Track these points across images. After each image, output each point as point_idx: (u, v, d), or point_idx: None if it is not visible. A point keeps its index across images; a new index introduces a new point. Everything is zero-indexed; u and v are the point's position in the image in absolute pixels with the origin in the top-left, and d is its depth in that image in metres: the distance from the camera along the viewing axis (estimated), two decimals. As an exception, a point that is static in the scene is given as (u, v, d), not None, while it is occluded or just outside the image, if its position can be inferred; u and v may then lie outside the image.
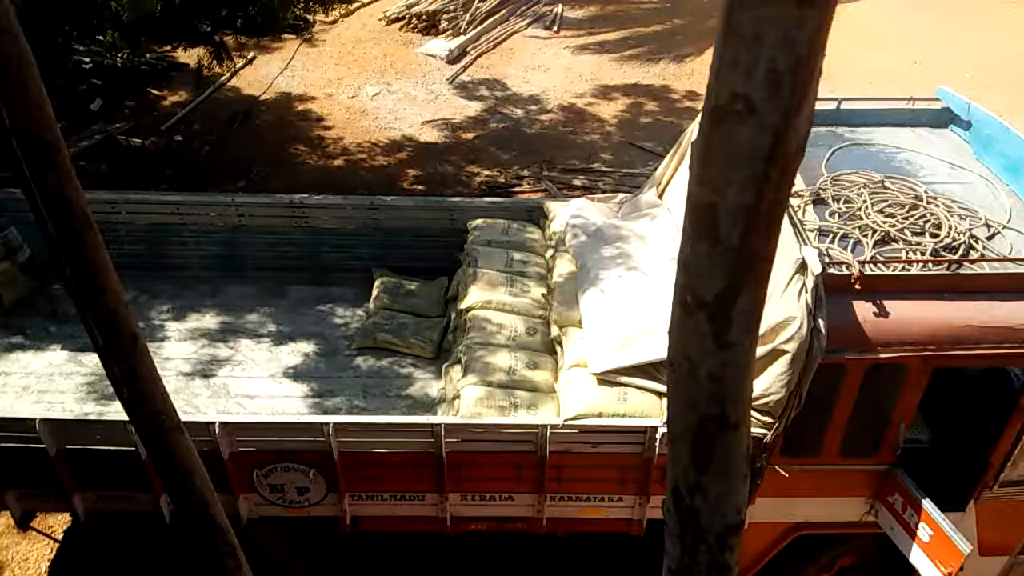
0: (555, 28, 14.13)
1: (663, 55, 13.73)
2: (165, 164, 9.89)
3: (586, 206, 6.13)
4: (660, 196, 6.09)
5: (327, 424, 4.52)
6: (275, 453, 4.60)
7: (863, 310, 4.11)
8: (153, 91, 11.52)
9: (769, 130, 0.97)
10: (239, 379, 5.70)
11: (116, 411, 5.17)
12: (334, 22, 13.59)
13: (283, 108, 11.59)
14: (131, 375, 1.34)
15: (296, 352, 5.98)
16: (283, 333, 6.13)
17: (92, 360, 5.75)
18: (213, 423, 4.45)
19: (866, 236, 4.47)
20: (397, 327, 6.03)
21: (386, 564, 5.75)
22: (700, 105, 7.01)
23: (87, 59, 10.68)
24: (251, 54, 12.40)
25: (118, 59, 10.64)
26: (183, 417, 4.58)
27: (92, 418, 4.81)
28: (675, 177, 5.96)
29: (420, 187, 10.06)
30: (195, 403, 5.49)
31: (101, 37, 8.34)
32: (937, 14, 14.45)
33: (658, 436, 4.42)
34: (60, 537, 5.99)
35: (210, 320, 6.18)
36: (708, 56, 13.44)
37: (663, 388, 4.60)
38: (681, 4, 15.50)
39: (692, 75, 13.19)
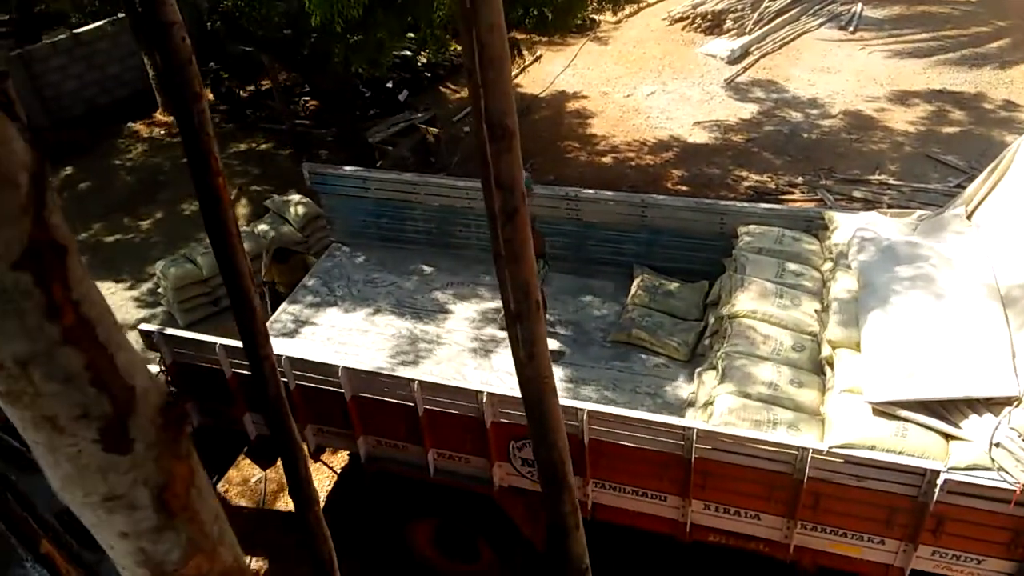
0: (851, 29, 13.12)
1: (979, 60, 12.15)
2: (453, 152, 10.84)
3: (877, 220, 5.66)
4: (969, 216, 5.42)
5: (581, 410, 4.69)
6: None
7: None
8: (450, 85, 12.66)
9: None
10: (503, 356, 6.11)
11: (401, 369, 5.86)
12: (619, 22, 13.87)
13: (561, 104, 12.11)
14: (530, 337, 1.55)
15: (554, 338, 6.25)
16: (549, 320, 6.44)
17: (384, 321, 6.54)
18: (481, 392, 4.82)
19: None
20: (653, 325, 6.06)
21: (614, 559, 5.83)
22: (1020, 116, 6.12)
23: (397, 56, 12.02)
24: (539, 52, 13.09)
25: (424, 56, 11.86)
26: (451, 383, 5.07)
27: (384, 372, 5.43)
28: (991, 196, 5.27)
29: (684, 188, 9.96)
30: (462, 372, 6.00)
31: (413, 35, 9.36)
32: None
33: (939, 481, 3.98)
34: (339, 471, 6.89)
35: (483, 298, 6.69)
36: (1038, 62, 11.69)
37: (952, 430, 4.13)
38: (1004, 4, 13.57)
39: (1012, 83, 11.52)
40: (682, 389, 5.64)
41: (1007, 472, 3.89)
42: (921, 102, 11.35)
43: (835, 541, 4.51)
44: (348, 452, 6.32)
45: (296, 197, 8.43)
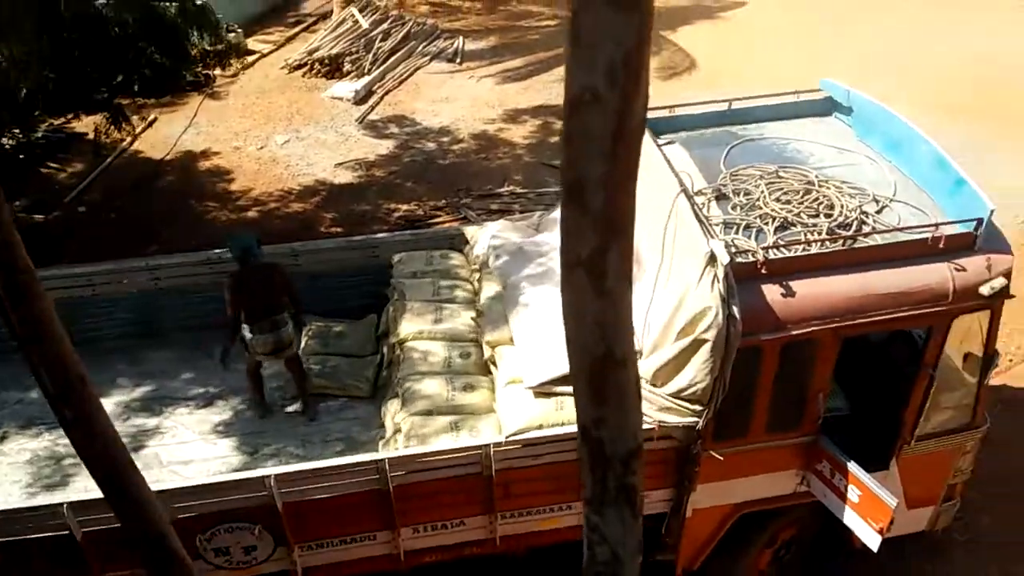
0: (458, 61, 14.36)
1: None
2: (70, 237, 9.56)
3: (505, 227, 6.25)
4: (573, 209, 6.24)
5: (268, 476, 4.44)
6: (216, 515, 4.48)
7: (772, 293, 4.31)
8: (52, 164, 11.16)
9: (614, 113, 1.12)
10: (169, 447, 5.53)
11: (46, 496, 4.98)
12: (235, 75, 13.48)
13: (190, 166, 11.39)
14: (82, 415, 1.37)
15: (227, 410, 5.86)
16: (211, 393, 6.00)
17: (13, 446, 5.53)
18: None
19: (767, 223, 4.69)
20: (330, 371, 5.98)
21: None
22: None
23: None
24: (152, 115, 12.16)
25: (10, 139, 10.29)
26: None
27: (21, 506, 4.58)
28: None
29: (338, 229, 10.01)
30: (128, 476, 5.29)
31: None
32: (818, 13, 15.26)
33: (598, 440, 4.50)
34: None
35: (132, 390, 5.99)
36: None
37: (597, 393, 4.71)
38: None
39: (594, 92, 13.60)
40: (373, 425, 5.64)
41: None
42: (529, 118, 12.83)
43: (535, 520, 4.86)
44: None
45: None
